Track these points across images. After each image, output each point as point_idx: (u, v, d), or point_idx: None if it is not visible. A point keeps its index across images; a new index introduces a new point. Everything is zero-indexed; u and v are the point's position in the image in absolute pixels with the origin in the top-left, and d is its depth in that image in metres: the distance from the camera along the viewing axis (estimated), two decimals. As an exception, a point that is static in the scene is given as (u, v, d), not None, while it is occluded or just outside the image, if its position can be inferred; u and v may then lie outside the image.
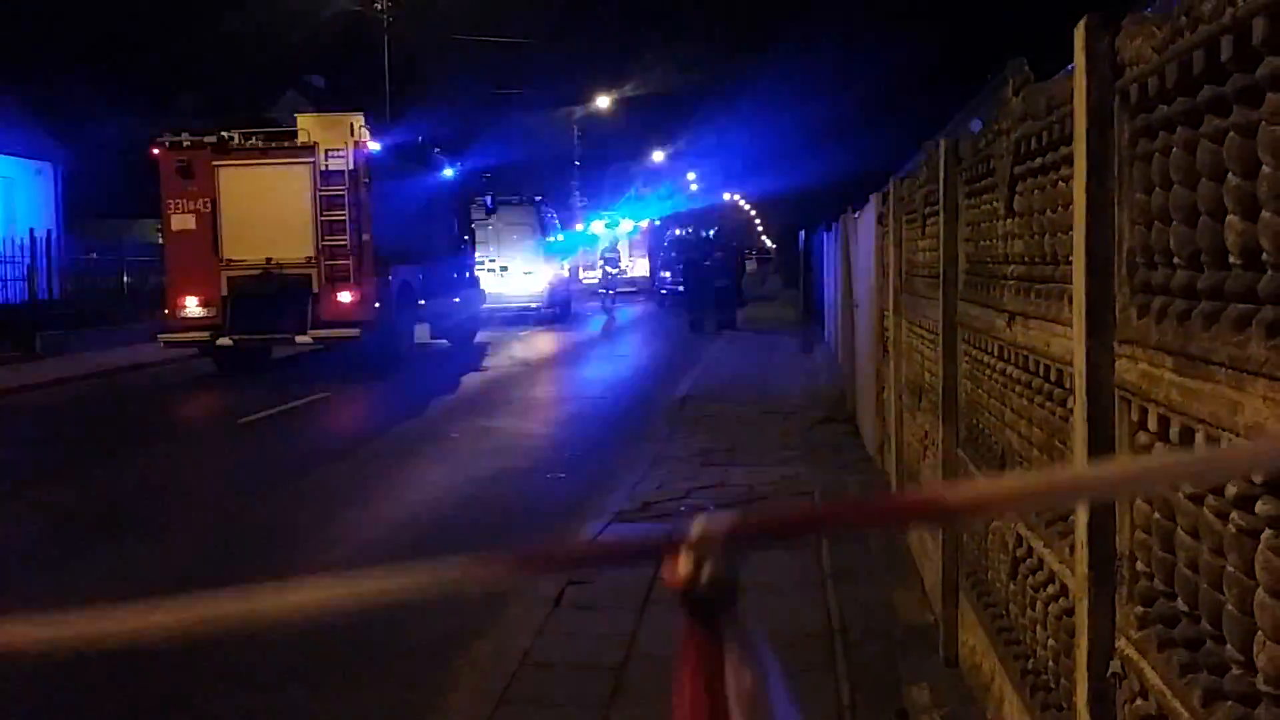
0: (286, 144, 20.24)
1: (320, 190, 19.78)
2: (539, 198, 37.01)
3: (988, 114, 4.56)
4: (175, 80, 41.35)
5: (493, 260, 32.62)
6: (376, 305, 19.92)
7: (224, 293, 19.75)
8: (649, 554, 1.02)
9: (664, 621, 5.91)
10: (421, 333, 23.48)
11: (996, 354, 4.29)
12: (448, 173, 26.03)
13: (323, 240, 19.74)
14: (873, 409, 10.11)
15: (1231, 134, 2.06)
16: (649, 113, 64.07)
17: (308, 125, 20.45)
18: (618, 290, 43.37)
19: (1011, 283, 3.99)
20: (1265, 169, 1.94)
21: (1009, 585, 4.12)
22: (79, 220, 33.43)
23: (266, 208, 19.67)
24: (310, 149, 19.87)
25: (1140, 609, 2.59)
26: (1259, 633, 1.96)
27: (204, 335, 19.68)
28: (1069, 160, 3.04)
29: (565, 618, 6.41)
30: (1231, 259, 2.10)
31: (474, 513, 9.50)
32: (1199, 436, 2.20)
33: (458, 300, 25.52)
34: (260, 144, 20.28)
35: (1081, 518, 2.84)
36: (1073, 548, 3.00)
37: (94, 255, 31.36)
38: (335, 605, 1.02)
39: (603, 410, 15.64)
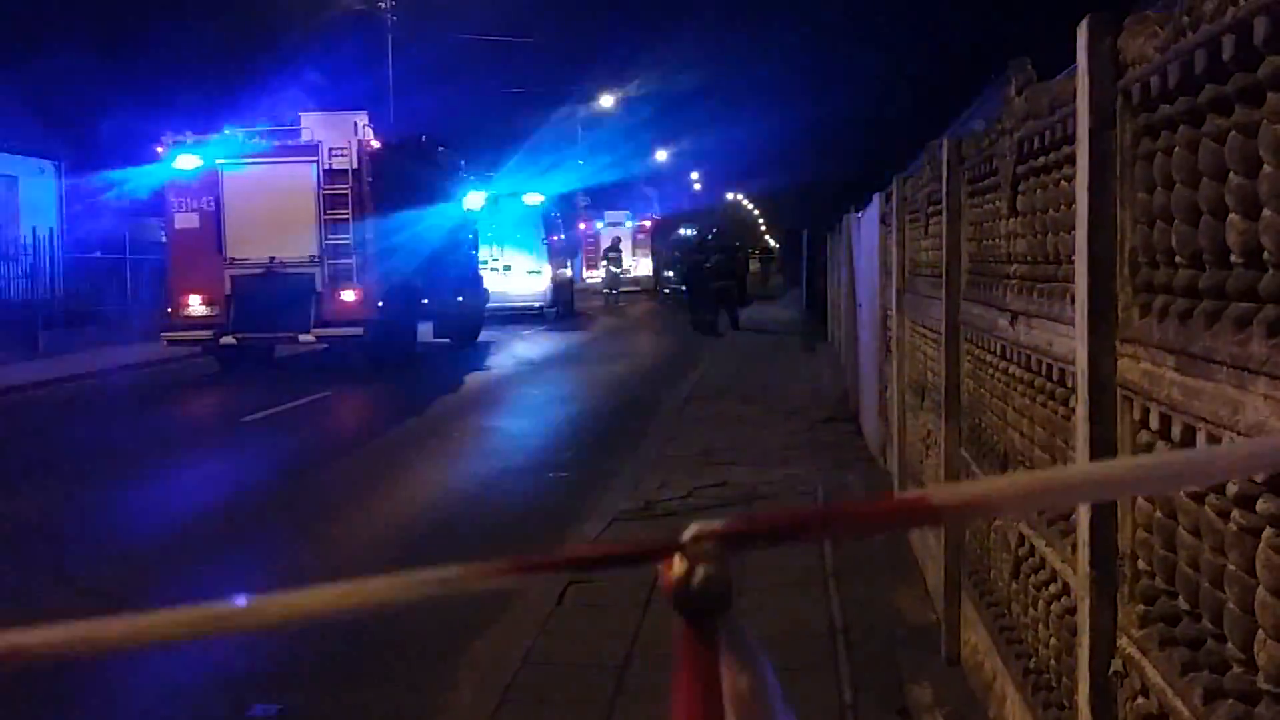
0: (290, 142, 20.27)
1: (323, 189, 19.81)
2: (542, 197, 37.03)
3: (991, 114, 4.56)
4: (179, 78, 41.38)
5: (496, 259, 32.65)
6: (379, 304, 19.93)
7: (227, 291, 19.77)
8: (645, 557, 1.02)
9: (666, 621, 5.89)
10: (424, 332, 23.50)
11: (999, 353, 4.29)
12: (450, 171, 26.04)
13: (326, 239, 19.76)
14: (875, 408, 10.11)
15: (1233, 133, 2.07)
16: (653, 111, 64.06)
17: (311, 123, 20.48)
18: (621, 290, 43.39)
19: (1014, 282, 3.99)
20: (1266, 168, 1.94)
21: (1011, 584, 4.12)
22: (82, 219, 33.45)
23: (270, 206, 19.69)
24: (313, 147, 19.90)
25: (1142, 608, 2.59)
26: (1260, 631, 1.97)
27: (207, 334, 19.70)
28: (1071, 160, 3.04)
29: (567, 617, 6.41)
30: (1233, 258, 2.10)
31: (476, 512, 9.50)
32: (1201, 435, 2.20)
33: (461, 299, 25.53)
34: (263, 142, 20.31)
35: (1083, 517, 2.84)
36: (1074, 547, 3.00)
37: (97, 253, 31.38)
38: (340, 607, 1.02)
39: (605, 409, 15.64)
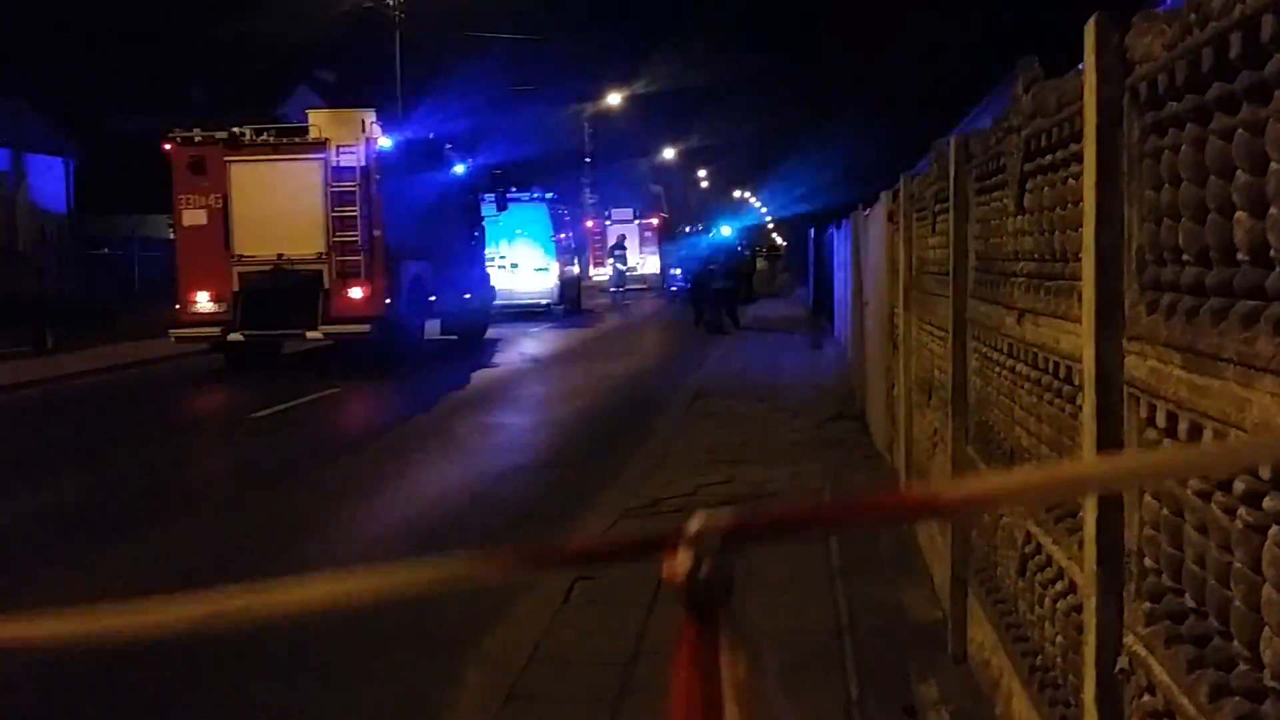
0: (298, 140, 20.29)
1: (331, 186, 19.83)
2: (550, 194, 37.03)
3: (998, 112, 4.56)
4: (187, 76, 41.45)
5: (503, 257, 32.66)
6: (387, 301, 19.96)
7: (235, 288, 19.80)
8: (649, 549, 1.03)
9: (673, 617, 5.92)
10: (432, 329, 23.52)
11: (1006, 351, 4.29)
12: (459, 169, 26.05)
13: (334, 236, 19.79)
14: (882, 406, 10.11)
15: (1240, 131, 2.07)
16: (660, 109, 64.08)
17: (319, 121, 20.50)
18: (627, 287, 43.38)
19: (1021, 280, 3.99)
20: (1274, 166, 1.95)
21: (1017, 582, 4.12)
22: (91, 215, 33.55)
23: (278, 204, 19.72)
24: (322, 145, 19.92)
25: (1148, 605, 2.59)
26: (1266, 628, 1.97)
27: (215, 331, 19.73)
28: (1079, 157, 3.04)
29: (574, 613, 6.42)
30: (1240, 256, 2.10)
31: (483, 508, 9.52)
32: (1207, 433, 2.20)
33: (468, 296, 25.54)
34: (272, 140, 20.34)
35: (1089, 514, 2.84)
36: (1081, 544, 3.00)
37: (106, 250, 31.47)
38: (347, 599, 1.03)
39: (612, 407, 15.65)
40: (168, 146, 20.17)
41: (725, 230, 36.48)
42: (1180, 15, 2.31)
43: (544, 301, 34.04)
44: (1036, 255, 3.77)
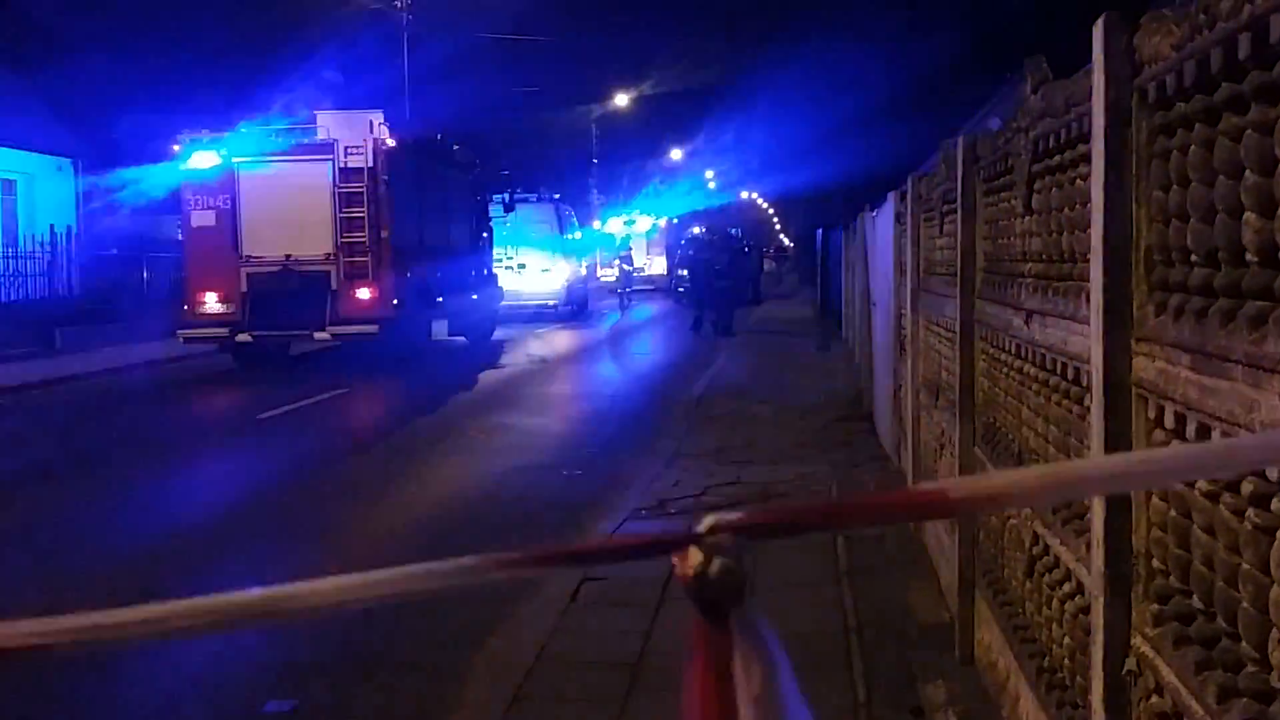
0: (306, 141, 20.32)
1: (339, 187, 19.87)
2: (556, 195, 37.06)
3: (1006, 112, 4.55)
4: (195, 76, 41.51)
5: (510, 258, 32.69)
6: (395, 302, 19.98)
7: (243, 289, 19.84)
8: (660, 549, 1.03)
9: (680, 617, 5.91)
10: (439, 330, 23.54)
11: (1014, 352, 4.28)
12: (466, 170, 26.07)
13: (341, 237, 19.82)
14: (890, 407, 10.10)
15: (1249, 132, 2.07)
16: (667, 111, 64.06)
17: (327, 122, 20.53)
18: (634, 288, 43.38)
19: (1029, 280, 3.98)
20: (1283, 166, 1.94)
21: (1025, 583, 4.12)
22: (98, 216, 33.59)
23: (285, 205, 19.76)
24: (329, 146, 19.95)
25: (1156, 606, 2.59)
26: (1274, 630, 1.97)
27: (223, 331, 19.78)
28: (1087, 158, 3.04)
29: (581, 613, 6.43)
30: (1249, 256, 2.10)
31: (491, 509, 9.52)
32: (1215, 434, 2.20)
33: (475, 297, 25.57)
34: (279, 140, 20.38)
35: (1097, 515, 2.84)
36: (1089, 545, 3.00)
37: (114, 251, 31.50)
38: (356, 601, 1.03)
39: (619, 407, 15.65)
40: (176, 147, 20.22)
41: (731, 230, 36.43)
42: (1189, 16, 2.31)
43: (551, 302, 34.06)
44: (1045, 256, 3.77)
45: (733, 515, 1.00)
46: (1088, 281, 2.98)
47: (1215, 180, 2.23)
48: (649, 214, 58.91)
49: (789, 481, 9.85)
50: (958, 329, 5.45)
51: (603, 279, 48.55)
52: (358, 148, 19.88)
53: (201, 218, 20.14)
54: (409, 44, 39.04)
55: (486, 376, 19.70)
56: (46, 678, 5.56)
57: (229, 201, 19.98)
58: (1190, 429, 2.34)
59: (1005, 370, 4.51)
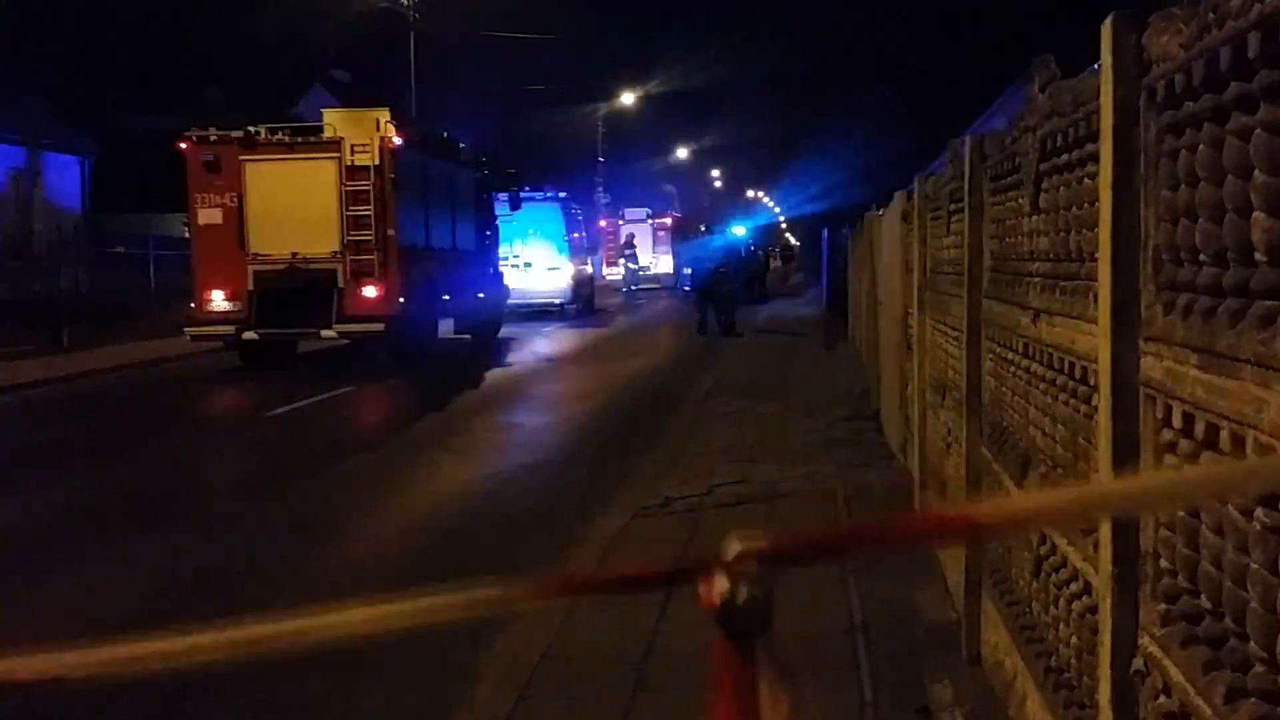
0: (313, 139, 20.36)
1: (346, 185, 19.90)
2: (563, 194, 37.07)
3: (1013, 112, 4.55)
4: (203, 75, 41.58)
5: (517, 256, 32.71)
6: (401, 300, 20.01)
7: (250, 287, 19.88)
8: (685, 575, 1.03)
9: (685, 616, 5.92)
10: (445, 328, 23.56)
11: (1021, 351, 4.28)
12: (472, 168, 26.09)
13: (348, 235, 19.85)
14: (896, 406, 10.09)
15: (1258, 131, 2.06)
16: (673, 109, 64.07)
17: (334, 120, 20.56)
18: (639, 287, 43.38)
19: (1036, 280, 3.98)
20: (1292, 166, 1.94)
21: (1032, 583, 4.11)
22: (106, 214, 33.68)
23: (292, 203, 19.80)
24: (336, 144, 19.99)
25: (1163, 606, 2.58)
26: (1282, 630, 1.96)
27: (230, 329, 19.82)
28: (1095, 157, 3.03)
29: (587, 612, 6.42)
30: (1257, 256, 2.10)
31: (497, 507, 9.53)
32: (1224, 434, 2.20)
33: (482, 296, 25.59)
34: (286, 139, 20.42)
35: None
36: (1096, 545, 2.99)
37: (121, 249, 31.58)
38: (386, 627, 1.04)
39: (625, 406, 15.65)
40: (183, 145, 20.27)
41: (738, 231, 36.36)
42: (1198, 15, 2.30)
43: (557, 301, 34.09)
44: (1052, 255, 3.76)
45: (759, 541, 1.00)
46: (1095, 281, 2.98)
47: (1224, 179, 2.22)
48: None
49: (796, 481, 9.84)
50: (965, 328, 5.44)
51: (608, 277, 48.56)
52: (364, 146, 19.91)
53: (209, 215, 20.18)
54: (416, 42, 39.07)
55: (492, 375, 19.71)
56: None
57: (236, 199, 20.02)
58: (1198, 429, 2.33)
59: (1012, 369, 4.50)
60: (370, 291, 19.80)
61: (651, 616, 6.14)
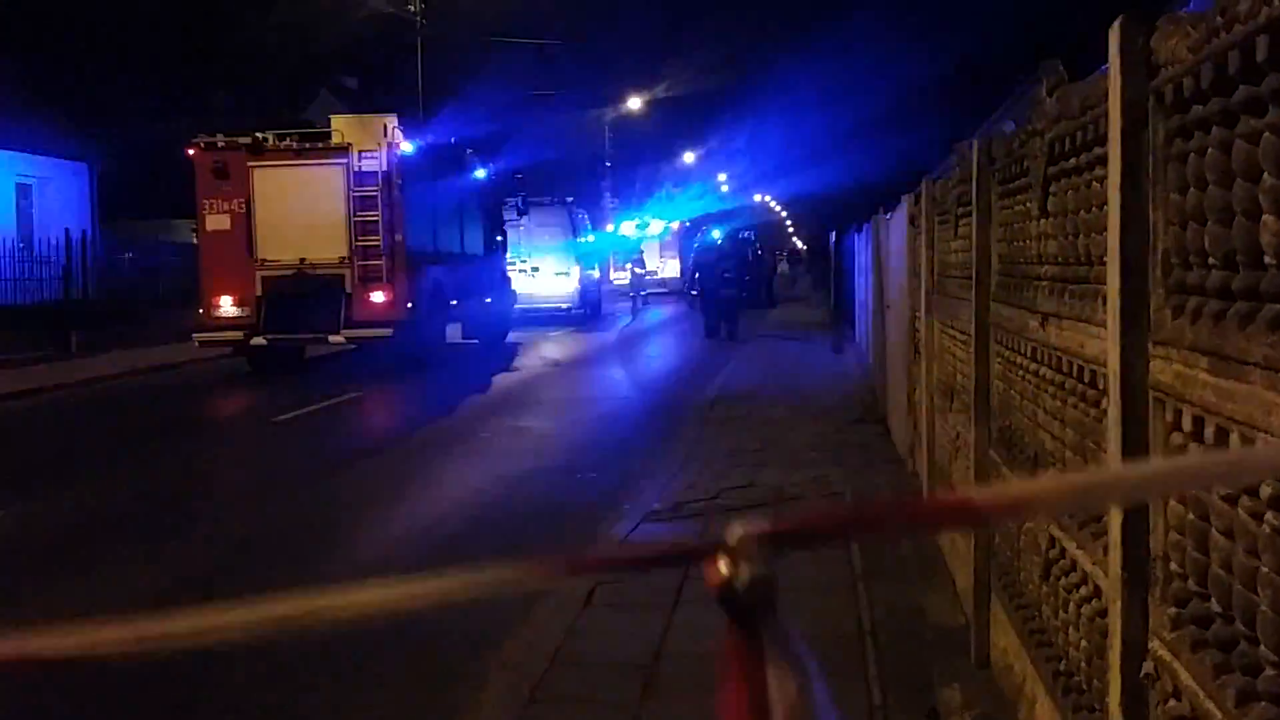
0: (320, 145, 20.40)
1: (353, 191, 19.92)
2: (570, 199, 37.11)
3: (1021, 115, 4.55)
4: (210, 81, 41.68)
5: (524, 261, 32.74)
6: (409, 305, 20.03)
7: (258, 293, 19.91)
8: (689, 557, 1.04)
9: (695, 620, 5.92)
10: (453, 333, 23.58)
11: (1029, 355, 4.28)
12: (480, 173, 26.12)
13: (356, 241, 19.87)
14: (904, 410, 10.08)
15: (1267, 134, 2.06)
16: (680, 114, 64.10)
17: (341, 126, 20.60)
18: (647, 292, 43.37)
19: (1045, 283, 3.98)
20: (1301, 169, 1.94)
21: (1041, 587, 4.11)
22: (114, 220, 33.74)
23: (300, 208, 19.82)
24: (344, 150, 20.02)
25: (1173, 610, 2.58)
26: (1293, 633, 1.96)
27: (238, 335, 19.84)
28: (1103, 161, 3.03)
29: (596, 616, 6.43)
30: (1266, 259, 2.10)
31: (506, 511, 9.53)
32: (1234, 437, 2.19)
33: (489, 301, 25.61)
34: (294, 145, 20.45)
35: (1115, 519, 2.83)
36: (1106, 549, 2.99)
37: (129, 255, 31.65)
38: (398, 607, 1.04)
39: (633, 410, 15.66)
40: (191, 151, 20.30)
41: (743, 234, 36.35)
42: (1206, 18, 2.31)
43: (565, 305, 34.11)
44: (1060, 259, 3.76)
45: (762, 523, 1.01)
46: (1104, 284, 2.98)
47: (1233, 183, 2.22)
48: (662, 218, 58.96)
49: (803, 484, 9.84)
50: (973, 332, 5.44)
51: (616, 282, 48.58)
52: (372, 152, 19.95)
53: (216, 221, 20.21)
54: (423, 48, 39.13)
55: (500, 379, 19.72)
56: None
57: (244, 205, 20.04)
58: (1208, 432, 2.33)
59: (1020, 373, 4.50)
60: (378, 297, 19.83)
61: (660, 621, 6.14)
